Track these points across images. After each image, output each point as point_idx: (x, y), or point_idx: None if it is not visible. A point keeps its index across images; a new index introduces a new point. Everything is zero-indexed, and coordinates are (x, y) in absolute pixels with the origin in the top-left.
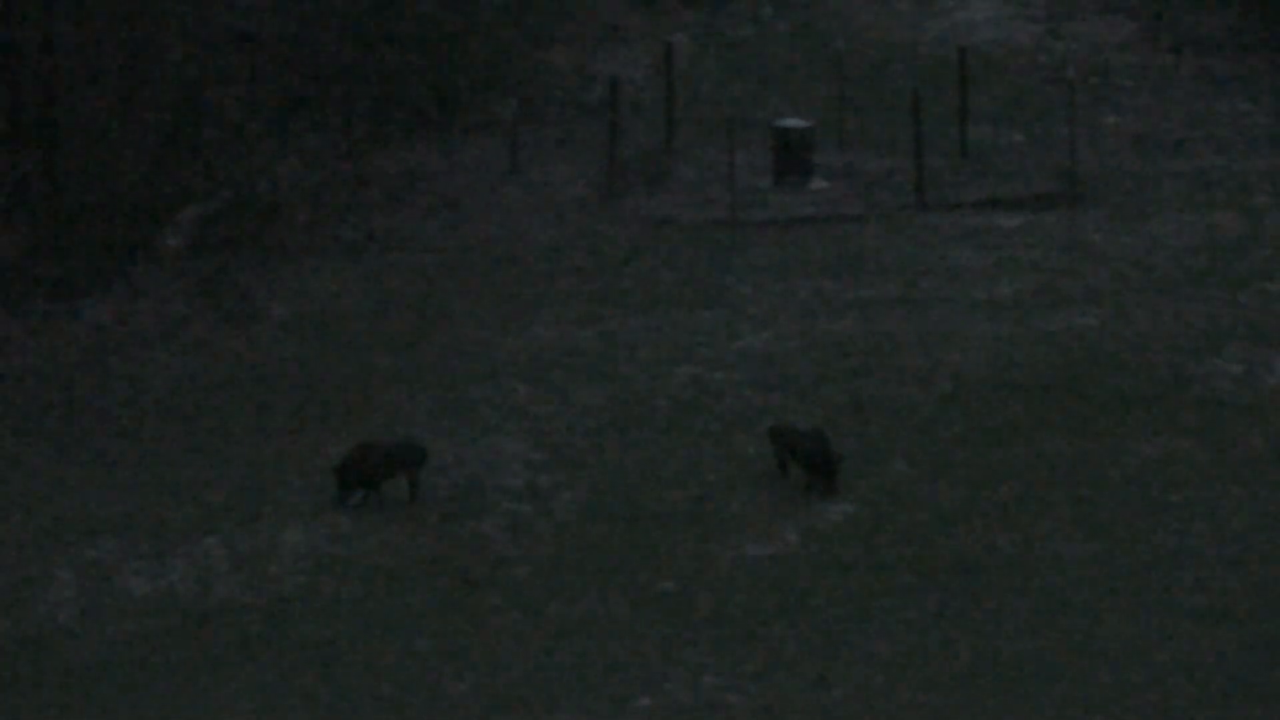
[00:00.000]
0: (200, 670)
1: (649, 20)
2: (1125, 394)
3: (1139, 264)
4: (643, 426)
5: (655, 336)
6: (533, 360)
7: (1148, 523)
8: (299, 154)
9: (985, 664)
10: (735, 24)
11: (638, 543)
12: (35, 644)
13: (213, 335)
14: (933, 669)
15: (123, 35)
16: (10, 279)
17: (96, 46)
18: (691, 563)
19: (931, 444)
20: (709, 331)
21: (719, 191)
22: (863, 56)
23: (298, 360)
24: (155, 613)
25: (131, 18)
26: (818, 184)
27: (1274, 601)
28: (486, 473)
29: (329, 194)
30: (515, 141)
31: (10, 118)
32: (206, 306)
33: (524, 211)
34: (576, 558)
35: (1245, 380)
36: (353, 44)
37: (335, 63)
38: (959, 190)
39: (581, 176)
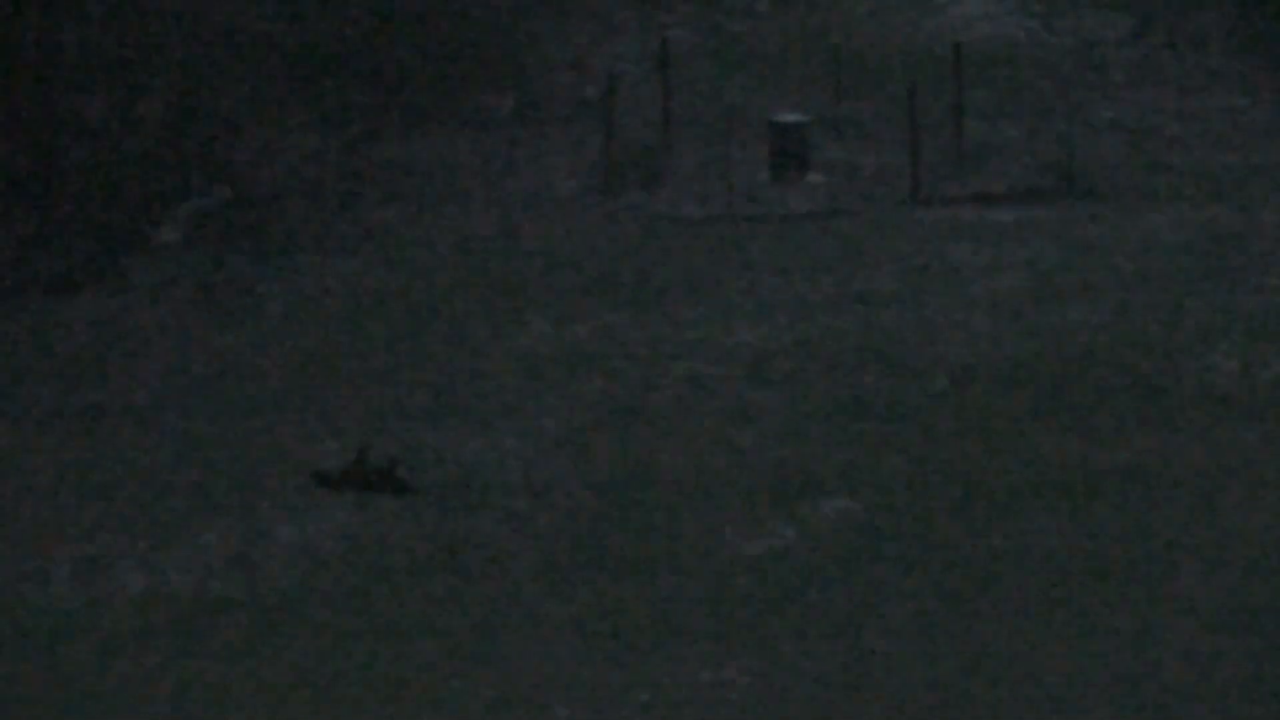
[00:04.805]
0: (197, 666)
1: (645, 15)
2: (1121, 389)
3: (1135, 259)
4: (639, 421)
5: (651, 332)
6: (529, 355)
7: (1144, 518)
8: (296, 149)
9: (982, 660)
10: (732, 19)
11: (634, 538)
12: (31, 640)
13: (209, 330)
14: (930, 664)
15: (120, 30)
16: (6, 274)
17: (94, 41)
18: (688, 558)
19: (927, 439)
20: (705, 326)
21: (715, 187)
22: (859, 51)
23: (294, 355)
24: (151, 608)
25: (129, 12)
26: (814, 179)
27: (1272, 597)
28: (482, 467)
29: (326, 189)
30: (512, 137)
31: (6, 112)
32: (203, 301)
33: (520, 207)
34: (572, 552)
35: (1241, 375)
36: (350, 39)
37: (332, 58)
38: (955, 185)
39: (578, 172)
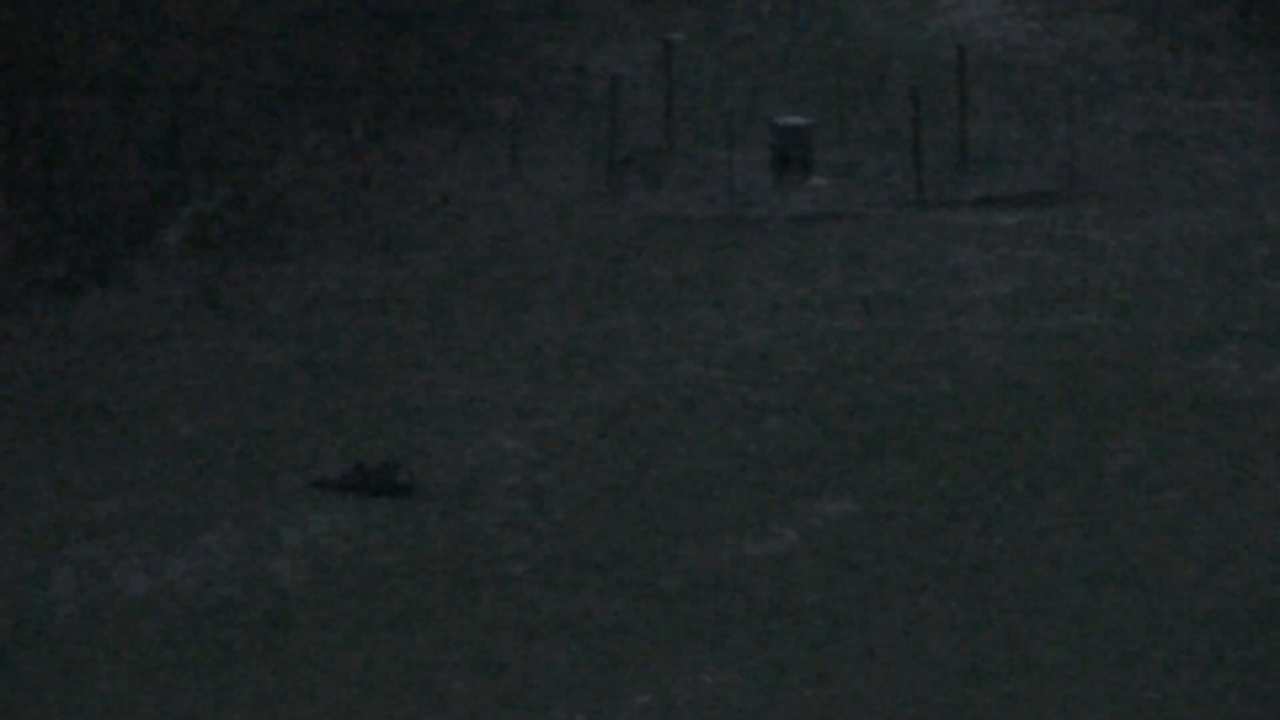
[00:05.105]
0: (199, 668)
1: (648, 17)
2: (1124, 392)
3: (1138, 262)
4: (641, 424)
5: (654, 334)
6: (532, 357)
7: (1146, 521)
8: (298, 151)
9: (982, 660)
10: (735, 21)
11: (636, 540)
12: (34, 642)
13: (212, 333)
14: (932, 668)
15: (121, 32)
16: (8, 277)
17: (95, 43)
18: (690, 560)
19: (930, 442)
20: (708, 329)
21: (718, 189)
22: (862, 54)
23: (297, 358)
24: (154, 611)
25: (129, 15)
26: (817, 182)
27: (1273, 601)
28: (485, 470)
29: (327, 190)
30: (515, 139)
31: (8, 115)
32: (206, 304)
33: (523, 209)
34: (575, 555)
35: (1245, 378)
36: (351, 40)
37: (334, 59)
38: (958, 188)
39: (581, 174)
